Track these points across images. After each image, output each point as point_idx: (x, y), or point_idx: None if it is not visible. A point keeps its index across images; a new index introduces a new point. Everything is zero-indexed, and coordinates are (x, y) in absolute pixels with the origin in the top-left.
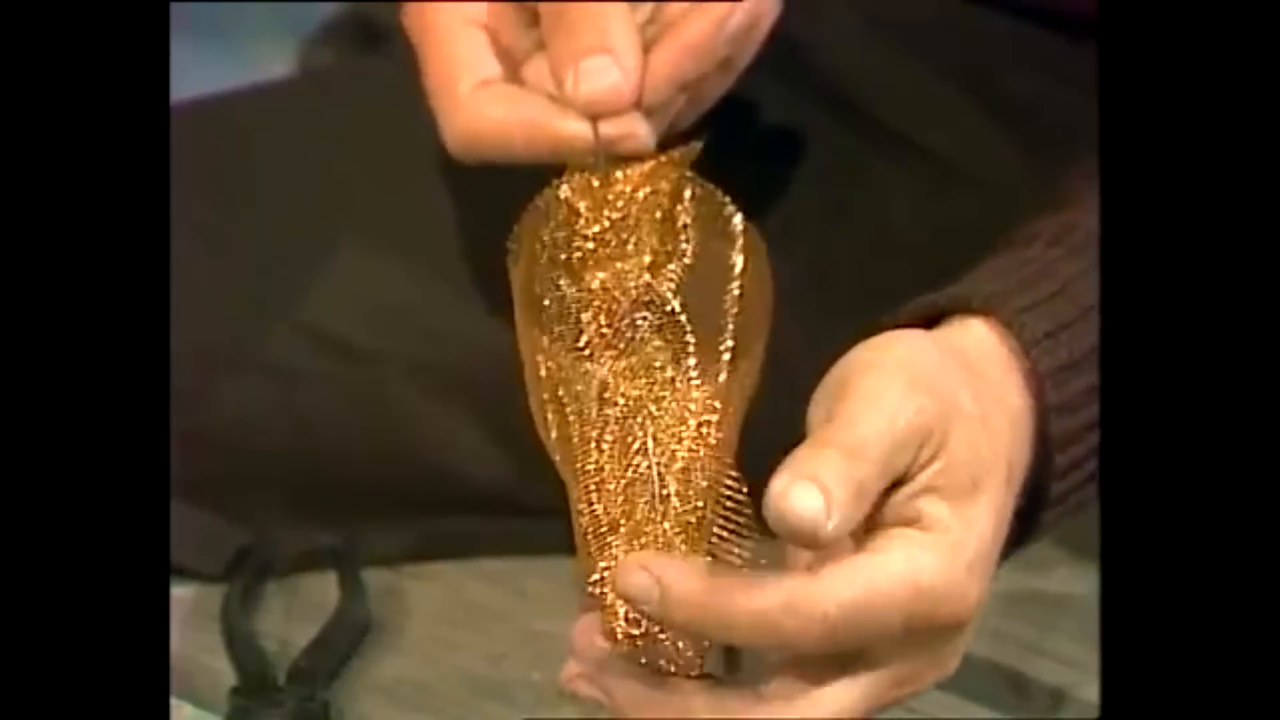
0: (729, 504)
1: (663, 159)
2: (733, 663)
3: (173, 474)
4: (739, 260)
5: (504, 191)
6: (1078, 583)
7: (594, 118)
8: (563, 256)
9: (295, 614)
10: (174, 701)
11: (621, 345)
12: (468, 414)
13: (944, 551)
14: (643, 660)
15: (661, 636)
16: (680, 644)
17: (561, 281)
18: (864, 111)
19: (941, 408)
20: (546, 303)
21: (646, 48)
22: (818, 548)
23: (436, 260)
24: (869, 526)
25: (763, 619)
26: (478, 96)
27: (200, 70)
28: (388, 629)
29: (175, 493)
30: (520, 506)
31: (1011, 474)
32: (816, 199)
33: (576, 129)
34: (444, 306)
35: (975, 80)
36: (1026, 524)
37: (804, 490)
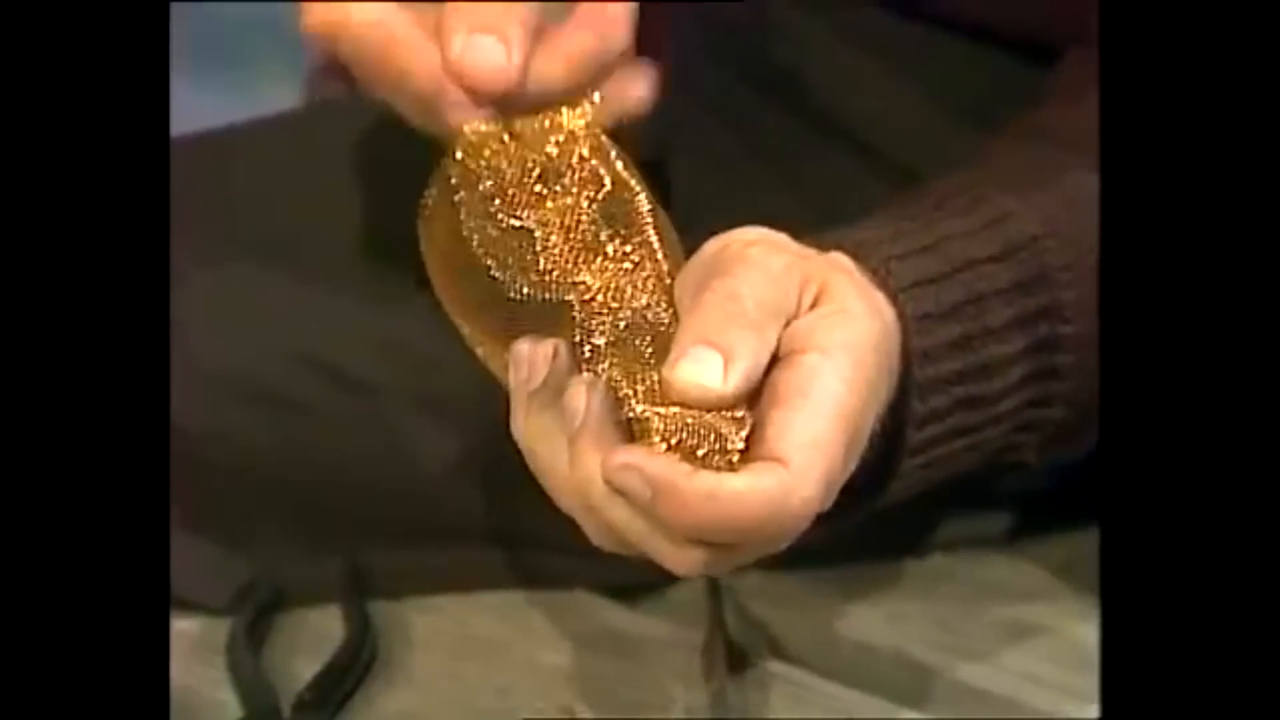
0: None
1: (567, 112)
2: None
3: (178, 506)
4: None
5: None
6: None
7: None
8: (510, 193)
9: (300, 647)
10: None
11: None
12: (470, 445)
13: (848, 367)
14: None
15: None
16: (721, 427)
17: (518, 215)
18: (851, 132)
19: (816, 263)
20: (489, 235)
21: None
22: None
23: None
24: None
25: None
26: None
27: (205, 105)
28: (392, 662)
29: (180, 525)
30: (523, 539)
31: (886, 350)
32: (803, 216)
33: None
34: (445, 337)
35: (960, 105)
36: (882, 471)
37: (707, 356)
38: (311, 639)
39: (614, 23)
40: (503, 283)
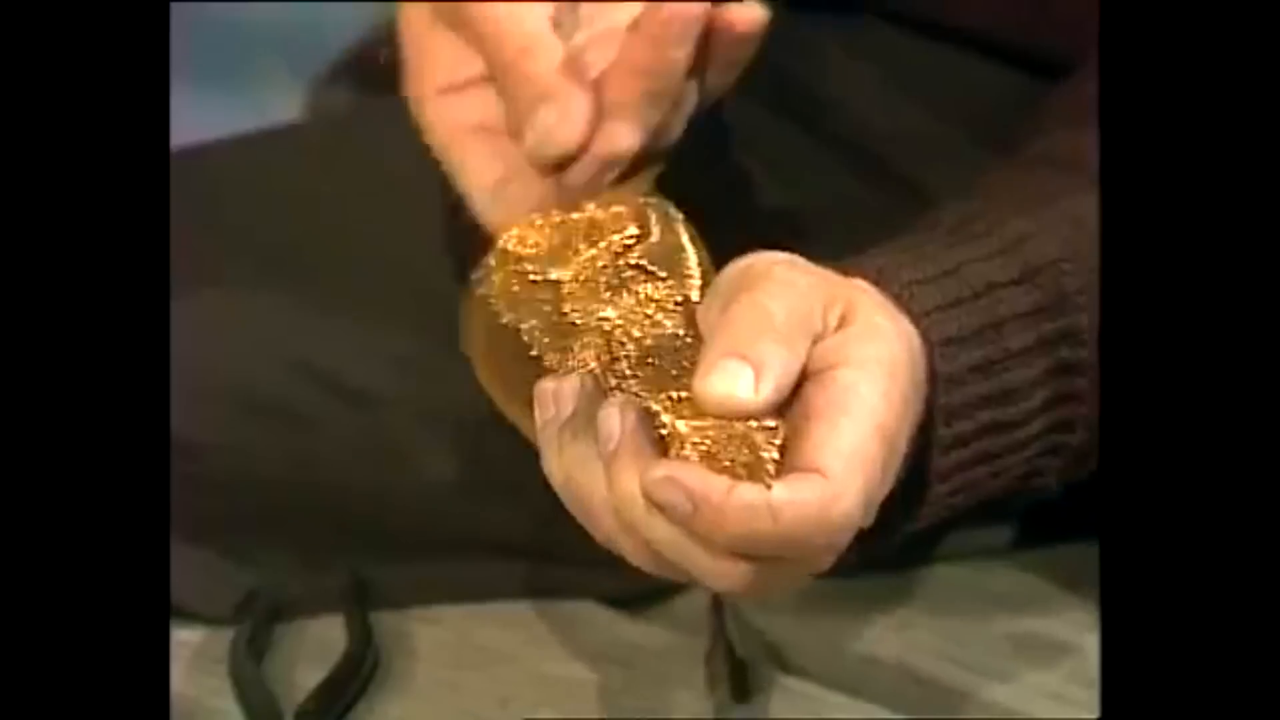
0: None
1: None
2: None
3: (180, 517)
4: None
5: None
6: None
7: (551, 168)
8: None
9: (302, 657)
10: None
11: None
12: (472, 457)
13: (883, 380)
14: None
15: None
16: (753, 436)
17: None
18: (854, 144)
19: (840, 284)
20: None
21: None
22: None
23: (445, 305)
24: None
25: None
26: (497, 205)
27: (207, 116)
28: (394, 671)
29: (183, 536)
30: (525, 549)
31: (914, 370)
32: (806, 228)
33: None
34: (451, 351)
35: (964, 118)
36: (912, 498)
37: (738, 368)
38: (313, 649)
39: (670, 17)
40: (533, 341)
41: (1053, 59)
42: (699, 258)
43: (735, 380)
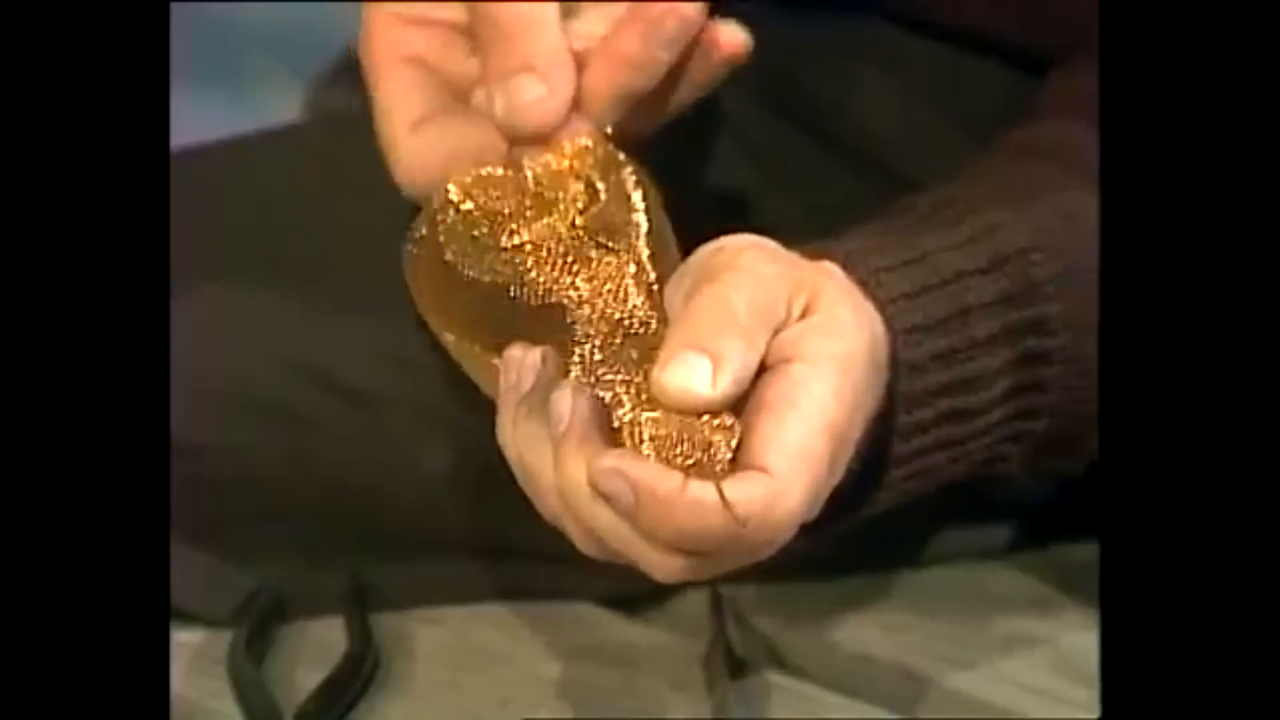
0: None
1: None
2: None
3: (180, 518)
4: (639, 203)
5: None
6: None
7: (521, 137)
8: (497, 221)
9: (302, 658)
10: None
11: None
12: (471, 458)
13: (836, 377)
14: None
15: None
16: (711, 436)
17: (505, 238)
18: (855, 146)
19: (807, 271)
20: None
21: (583, 60)
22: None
23: None
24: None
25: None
26: (410, 140)
27: (206, 117)
28: (394, 672)
29: (183, 537)
30: (525, 551)
31: (874, 361)
32: (807, 230)
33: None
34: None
35: (964, 118)
36: (868, 483)
37: (696, 361)
38: (313, 650)
39: (665, 13)
40: (496, 291)
41: (1052, 58)
42: (650, 221)
43: (693, 373)
